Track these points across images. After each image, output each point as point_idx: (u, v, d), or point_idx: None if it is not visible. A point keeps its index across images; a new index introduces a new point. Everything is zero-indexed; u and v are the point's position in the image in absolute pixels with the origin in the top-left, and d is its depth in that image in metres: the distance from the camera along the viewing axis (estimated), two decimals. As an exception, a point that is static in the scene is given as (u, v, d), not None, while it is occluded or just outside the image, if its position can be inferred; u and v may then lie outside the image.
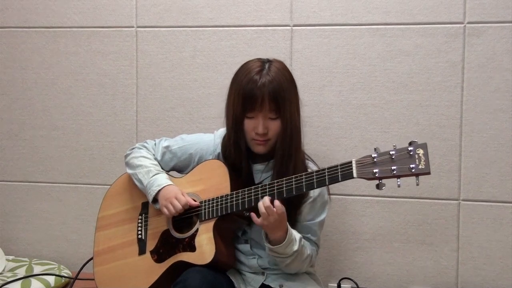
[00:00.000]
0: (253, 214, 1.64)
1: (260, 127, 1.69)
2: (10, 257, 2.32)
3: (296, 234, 1.69)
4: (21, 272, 2.19)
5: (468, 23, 2.04)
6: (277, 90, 1.66)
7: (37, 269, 2.22)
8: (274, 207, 1.60)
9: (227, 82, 2.19)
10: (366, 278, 2.15)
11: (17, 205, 2.43)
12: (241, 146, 1.74)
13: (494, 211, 2.06)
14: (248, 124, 1.71)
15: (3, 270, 2.19)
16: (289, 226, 1.67)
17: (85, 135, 2.35)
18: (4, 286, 2.04)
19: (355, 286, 2.11)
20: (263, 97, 1.65)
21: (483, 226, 2.06)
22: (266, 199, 1.61)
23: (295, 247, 1.67)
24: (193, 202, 1.74)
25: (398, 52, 2.08)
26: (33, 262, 2.28)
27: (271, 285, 1.76)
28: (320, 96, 2.14)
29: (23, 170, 2.42)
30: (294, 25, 2.16)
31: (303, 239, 1.73)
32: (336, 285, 2.13)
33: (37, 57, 2.37)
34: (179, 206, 1.72)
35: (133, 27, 2.29)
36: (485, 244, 2.07)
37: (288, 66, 2.13)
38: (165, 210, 1.74)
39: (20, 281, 2.09)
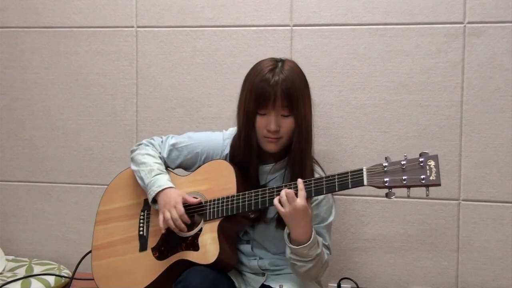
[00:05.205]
0: (275, 201, 1.59)
1: (273, 124, 1.67)
2: (10, 257, 2.32)
3: (318, 237, 1.67)
4: (21, 272, 2.19)
5: (468, 23, 2.03)
6: (290, 88, 1.66)
7: (37, 269, 2.22)
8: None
9: (227, 82, 2.21)
10: (366, 278, 2.15)
11: (17, 205, 2.43)
12: (252, 143, 1.72)
13: (494, 211, 2.05)
14: (260, 121, 1.70)
15: (3, 270, 2.19)
16: (314, 228, 1.63)
17: (85, 135, 2.35)
18: (4, 286, 2.04)
19: (355, 286, 2.11)
20: (276, 94, 1.65)
21: (483, 226, 2.06)
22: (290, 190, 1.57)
23: (318, 250, 1.64)
24: (186, 218, 1.71)
25: (398, 52, 2.08)
26: (33, 262, 2.28)
27: (271, 285, 1.76)
28: (320, 96, 2.13)
29: (23, 170, 2.42)
30: (294, 25, 2.16)
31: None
32: (336, 285, 2.12)
33: (37, 57, 2.37)
34: (178, 220, 1.70)
35: (133, 27, 2.28)
36: (485, 244, 2.07)
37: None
38: (161, 216, 1.73)
39: (20, 281, 2.09)
